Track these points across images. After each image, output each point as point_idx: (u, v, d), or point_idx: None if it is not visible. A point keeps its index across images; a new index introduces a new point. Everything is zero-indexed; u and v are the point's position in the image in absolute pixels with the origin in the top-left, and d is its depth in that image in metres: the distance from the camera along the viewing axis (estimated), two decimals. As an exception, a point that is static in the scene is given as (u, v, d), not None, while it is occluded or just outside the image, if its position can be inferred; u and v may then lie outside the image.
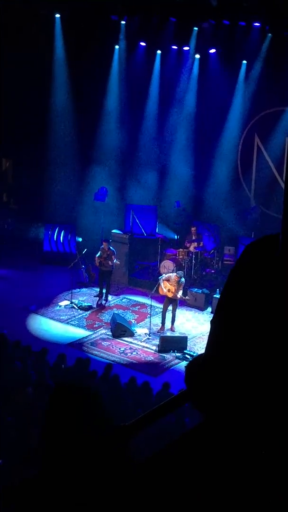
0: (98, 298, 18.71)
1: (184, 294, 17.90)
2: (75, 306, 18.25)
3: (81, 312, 18.04)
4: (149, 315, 17.33)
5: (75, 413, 2.17)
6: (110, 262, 18.31)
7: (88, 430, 2.15)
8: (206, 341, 2.05)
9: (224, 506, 1.86)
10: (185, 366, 2.18)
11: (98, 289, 18.90)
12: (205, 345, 2.04)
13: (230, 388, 1.89)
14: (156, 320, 17.38)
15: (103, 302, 18.65)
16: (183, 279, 17.03)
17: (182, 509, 1.91)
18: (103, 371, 12.67)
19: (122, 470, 2.11)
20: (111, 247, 18.55)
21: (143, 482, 2.02)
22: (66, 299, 18.58)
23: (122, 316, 17.62)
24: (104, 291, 18.71)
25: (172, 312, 17.00)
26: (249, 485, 1.84)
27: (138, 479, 2.04)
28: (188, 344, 16.04)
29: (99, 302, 18.58)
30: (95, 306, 18.45)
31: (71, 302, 18.35)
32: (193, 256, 19.77)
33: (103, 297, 18.74)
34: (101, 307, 18.45)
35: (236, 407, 1.89)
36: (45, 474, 2.15)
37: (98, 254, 18.42)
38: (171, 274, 17.09)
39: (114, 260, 18.45)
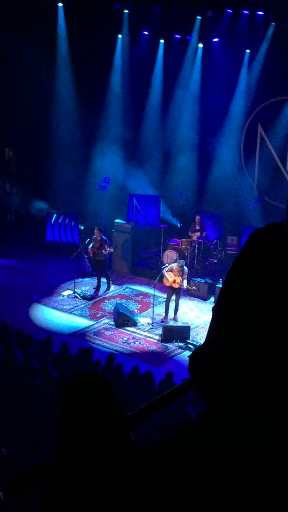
0: (95, 289, 18.67)
1: (187, 283, 17.93)
2: (78, 295, 18.27)
3: (84, 301, 18.06)
4: (152, 305, 17.34)
5: (91, 404, 2.18)
6: (104, 251, 18.28)
7: (102, 418, 2.16)
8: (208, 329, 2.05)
9: (225, 498, 1.86)
10: (188, 356, 2.18)
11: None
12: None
13: (231, 378, 1.89)
14: (159, 310, 17.40)
15: (103, 291, 18.62)
16: (185, 268, 17.03)
17: (183, 499, 1.91)
18: (106, 360, 12.69)
19: (124, 460, 2.11)
20: (103, 236, 18.52)
21: (145, 471, 2.02)
22: (69, 289, 18.60)
23: (125, 305, 17.63)
24: (104, 280, 18.67)
25: (175, 302, 17.01)
26: (250, 478, 1.84)
27: (140, 468, 2.05)
28: (191, 334, 16.07)
29: (96, 293, 18.56)
30: (96, 296, 18.46)
31: (74, 292, 18.37)
32: (196, 246, 19.75)
33: (106, 287, 18.74)
34: (97, 297, 18.41)
35: (238, 397, 1.88)
36: (61, 461, 2.16)
37: (91, 245, 18.39)
38: (173, 264, 17.08)
39: (108, 249, 18.44)
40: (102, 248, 18.27)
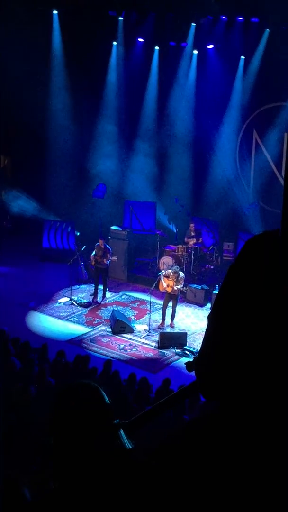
0: (93, 296, 18.67)
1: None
2: (74, 302, 18.26)
3: (80, 308, 18.05)
4: (148, 312, 17.33)
5: (80, 413, 2.18)
6: (105, 260, 18.28)
7: (93, 427, 2.16)
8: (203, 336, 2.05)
9: (231, 500, 1.85)
10: (185, 363, 2.18)
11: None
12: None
13: (227, 385, 1.89)
14: (156, 317, 17.39)
15: (100, 299, 18.60)
16: (182, 274, 17.04)
17: (184, 506, 1.91)
18: (102, 367, 12.67)
19: (123, 468, 2.11)
20: (107, 245, 18.55)
21: (144, 479, 2.02)
22: (65, 296, 18.59)
23: (122, 312, 17.62)
24: (100, 287, 18.67)
25: (172, 308, 17.00)
26: (259, 478, 1.83)
27: (139, 476, 2.04)
28: (187, 340, 16.05)
29: (94, 300, 18.56)
30: (92, 303, 18.46)
31: (71, 299, 18.36)
32: (192, 252, 19.77)
33: (102, 295, 18.74)
34: (96, 304, 18.42)
35: (235, 403, 1.88)
36: (60, 487, 2.16)
37: (93, 253, 18.41)
38: (169, 270, 17.08)
39: (110, 258, 18.44)
40: (104, 257, 18.26)
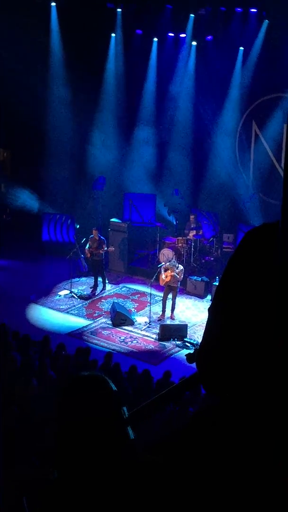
0: (92, 288, 18.70)
1: (184, 282, 17.97)
2: (74, 295, 18.28)
3: (80, 301, 18.07)
4: (149, 304, 17.34)
5: (88, 406, 2.18)
6: (101, 251, 18.29)
7: (101, 419, 2.16)
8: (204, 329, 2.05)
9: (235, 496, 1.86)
10: (185, 354, 2.19)
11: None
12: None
13: (229, 375, 1.89)
14: (156, 309, 17.40)
15: (99, 291, 18.65)
16: (181, 266, 17.07)
17: (188, 499, 1.91)
18: (103, 360, 12.69)
19: (124, 462, 2.11)
20: (101, 236, 18.55)
21: (147, 471, 2.02)
22: (65, 289, 18.61)
23: (122, 305, 17.63)
24: (100, 279, 18.71)
25: (172, 300, 17.02)
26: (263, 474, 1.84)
27: (142, 468, 2.05)
28: (188, 332, 16.07)
29: (93, 292, 18.59)
30: (93, 296, 18.48)
31: (71, 292, 18.37)
32: (192, 244, 19.76)
33: (102, 286, 18.76)
34: (93, 295, 18.44)
35: (238, 394, 1.89)
36: (63, 476, 2.16)
37: (87, 246, 18.42)
38: (168, 263, 17.10)
39: (106, 249, 18.44)
40: (99, 248, 18.28)
